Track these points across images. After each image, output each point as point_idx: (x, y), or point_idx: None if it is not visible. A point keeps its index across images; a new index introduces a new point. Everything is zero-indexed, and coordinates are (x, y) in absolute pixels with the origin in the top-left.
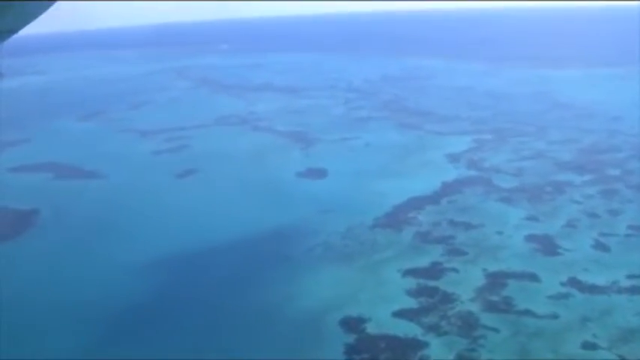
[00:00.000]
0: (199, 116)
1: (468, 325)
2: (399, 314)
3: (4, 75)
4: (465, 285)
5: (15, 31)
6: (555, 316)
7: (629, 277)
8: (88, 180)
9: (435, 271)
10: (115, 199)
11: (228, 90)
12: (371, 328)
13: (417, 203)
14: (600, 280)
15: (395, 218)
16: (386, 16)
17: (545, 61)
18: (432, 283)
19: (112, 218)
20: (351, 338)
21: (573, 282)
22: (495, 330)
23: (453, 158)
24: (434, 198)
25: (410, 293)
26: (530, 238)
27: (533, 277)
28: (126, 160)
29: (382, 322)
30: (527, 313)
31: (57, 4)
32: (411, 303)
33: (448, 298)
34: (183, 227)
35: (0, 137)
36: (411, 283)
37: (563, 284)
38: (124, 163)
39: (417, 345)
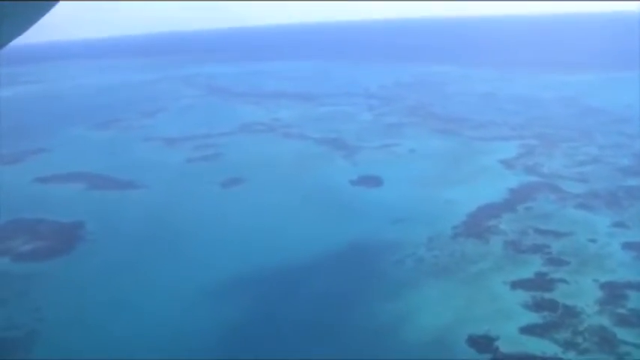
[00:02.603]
0: (221, 123)
1: (607, 341)
2: (527, 330)
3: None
4: (583, 297)
5: (5, 43)
6: None
7: None
8: (127, 190)
9: (543, 282)
10: (164, 210)
11: (241, 97)
12: (504, 347)
13: (491, 211)
14: None
15: (475, 227)
16: (386, 24)
17: (557, 66)
18: (547, 296)
19: (167, 231)
20: (486, 359)
21: None
22: (638, 347)
23: (508, 164)
24: (507, 205)
25: (528, 307)
26: (628, 246)
27: None
28: (161, 168)
29: (513, 339)
30: None
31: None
32: (534, 318)
33: (572, 312)
34: (251, 242)
35: (16, 146)
36: (525, 296)
37: None
38: (160, 172)
39: None
